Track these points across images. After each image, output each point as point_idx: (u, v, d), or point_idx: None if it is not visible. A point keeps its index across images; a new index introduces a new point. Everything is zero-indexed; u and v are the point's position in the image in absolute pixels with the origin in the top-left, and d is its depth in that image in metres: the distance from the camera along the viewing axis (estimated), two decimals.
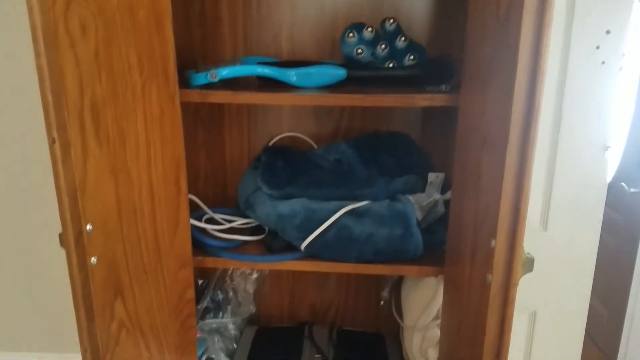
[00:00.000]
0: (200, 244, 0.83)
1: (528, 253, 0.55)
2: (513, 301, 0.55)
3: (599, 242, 0.97)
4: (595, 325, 2.26)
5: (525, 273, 0.55)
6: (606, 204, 0.95)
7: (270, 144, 0.97)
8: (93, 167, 0.56)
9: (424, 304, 0.83)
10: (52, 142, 0.52)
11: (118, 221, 0.61)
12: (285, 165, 0.87)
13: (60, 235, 0.57)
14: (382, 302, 0.99)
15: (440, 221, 0.87)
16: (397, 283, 0.97)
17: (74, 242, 0.56)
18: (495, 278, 0.54)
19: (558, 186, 0.94)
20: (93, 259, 0.57)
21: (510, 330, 0.56)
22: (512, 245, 0.53)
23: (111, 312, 0.61)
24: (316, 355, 0.91)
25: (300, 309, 1.06)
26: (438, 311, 0.82)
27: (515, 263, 0.53)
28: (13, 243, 1.10)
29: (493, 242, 0.54)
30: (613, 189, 2.09)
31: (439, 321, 0.81)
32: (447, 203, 0.81)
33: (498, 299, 0.55)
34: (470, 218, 0.64)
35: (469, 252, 0.64)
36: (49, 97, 0.50)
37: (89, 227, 0.56)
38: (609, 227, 2.11)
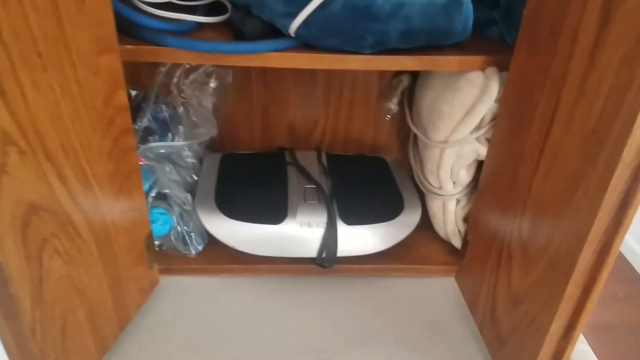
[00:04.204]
0: (131, 25, 0.53)
1: None
2: None
3: None
4: None
5: None
6: None
7: None
8: None
9: (461, 113, 0.60)
10: None
11: None
12: None
13: None
14: (388, 117, 0.75)
15: None
16: (409, 89, 0.73)
17: None
18: None
19: None
20: None
21: None
22: None
23: None
24: (307, 186, 0.69)
25: (275, 132, 0.81)
26: (481, 120, 0.59)
27: None
28: None
29: None
30: None
31: (480, 132, 0.59)
32: None
33: None
34: None
35: None
36: None
37: None
38: None
